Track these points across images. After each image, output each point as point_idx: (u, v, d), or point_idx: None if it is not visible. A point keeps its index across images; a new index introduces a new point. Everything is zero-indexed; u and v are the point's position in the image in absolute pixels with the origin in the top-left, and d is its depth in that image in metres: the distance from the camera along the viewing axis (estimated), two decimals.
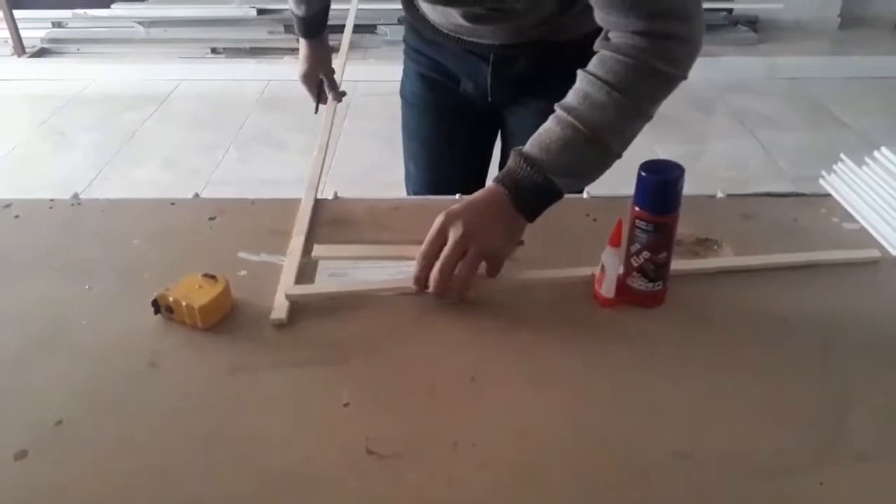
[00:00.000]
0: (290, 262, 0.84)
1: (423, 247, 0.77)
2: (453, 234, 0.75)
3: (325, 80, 1.29)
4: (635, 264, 0.76)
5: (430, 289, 0.76)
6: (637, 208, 0.74)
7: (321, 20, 1.23)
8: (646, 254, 0.75)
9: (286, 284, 0.80)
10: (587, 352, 0.72)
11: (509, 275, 0.80)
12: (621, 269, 0.77)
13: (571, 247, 0.86)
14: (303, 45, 1.25)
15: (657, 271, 0.76)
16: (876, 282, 0.83)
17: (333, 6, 1.22)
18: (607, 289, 0.77)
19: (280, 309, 0.76)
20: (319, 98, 1.31)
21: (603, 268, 0.76)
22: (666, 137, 2.75)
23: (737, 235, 0.90)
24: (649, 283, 0.76)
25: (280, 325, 0.75)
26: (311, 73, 1.27)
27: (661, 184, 0.73)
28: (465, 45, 1.06)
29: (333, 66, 1.30)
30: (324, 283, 0.82)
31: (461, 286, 0.76)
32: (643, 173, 0.73)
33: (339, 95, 1.30)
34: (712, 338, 0.74)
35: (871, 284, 0.83)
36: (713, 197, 1.00)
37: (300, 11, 1.19)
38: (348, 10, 1.43)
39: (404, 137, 1.27)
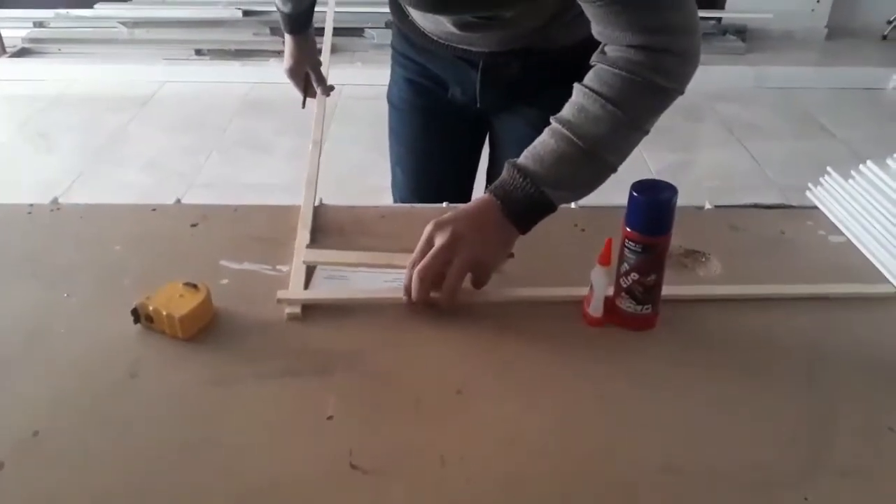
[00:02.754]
0: (298, 259, 0.84)
1: (413, 255, 0.76)
2: (439, 241, 0.75)
3: (311, 74, 1.29)
4: (624, 285, 0.74)
5: (412, 294, 0.75)
6: (627, 228, 0.72)
7: (307, 16, 1.23)
8: (634, 275, 0.73)
9: (296, 278, 0.81)
10: (575, 366, 0.72)
11: (497, 290, 0.79)
12: (610, 290, 0.76)
13: (559, 257, 0.85)
14: (288, 40, 1.25)
15: (646, 294, 0.74)
16: (862, 302, 0.82)
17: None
18: (595, 308, 0.76)
19: (294, 304, 0.77)
20: (307, 92, 1.31)
21: (592, 286, 0.75)
22: (654, 146, 2.76)
23: (724, 247, 0.90)
24: (637, 305, 0.75)
25: (262, 336, 0.74)
26: (298, 68, 1.28)
27: (652, 204, 0.71)
28: (455, 51, 1.05)
29: (319, 59, 1.30)
30: (320, 288, 0.81)
31: (447, 294, 0.75)
32: (634, 193, 0.71)
33: (328, 89, 1.30)
34: (700, 355, 0.74)
35: (857, 305, 0.82)
36: (701, 208, 1.01)
37: (286, 8, 1.19)
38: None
39: (391, 142, 1.27)
